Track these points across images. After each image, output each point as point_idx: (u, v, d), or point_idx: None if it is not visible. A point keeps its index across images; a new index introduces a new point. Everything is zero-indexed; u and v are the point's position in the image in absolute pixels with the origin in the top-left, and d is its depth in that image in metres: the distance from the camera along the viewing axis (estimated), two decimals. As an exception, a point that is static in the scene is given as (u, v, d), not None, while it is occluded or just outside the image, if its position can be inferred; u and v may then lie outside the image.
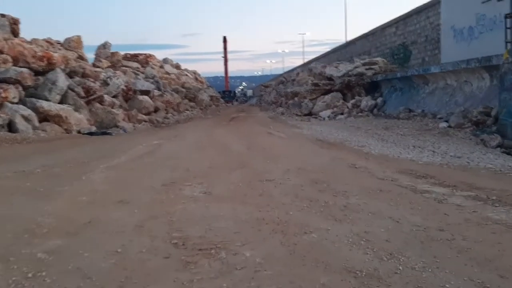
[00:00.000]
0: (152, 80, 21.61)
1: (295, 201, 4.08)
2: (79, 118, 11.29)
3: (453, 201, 4.06)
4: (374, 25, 27.02)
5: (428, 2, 19.40)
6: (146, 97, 16.95)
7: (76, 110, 11.50)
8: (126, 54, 24.33)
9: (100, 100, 12.96)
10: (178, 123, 16.95)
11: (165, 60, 31.53)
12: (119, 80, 15.47)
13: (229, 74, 73.95)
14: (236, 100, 66.42)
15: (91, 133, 10.96)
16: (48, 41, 15.24)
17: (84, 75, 14.19)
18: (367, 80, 18.97)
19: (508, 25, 8.63)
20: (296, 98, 21.43)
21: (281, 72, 72.74)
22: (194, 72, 37.53)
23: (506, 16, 8.66)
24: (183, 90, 25.31)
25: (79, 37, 16.54)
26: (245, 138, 9.38)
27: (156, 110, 17.89)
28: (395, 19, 23.35)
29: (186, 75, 32.47)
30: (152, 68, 23.53)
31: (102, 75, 14.93)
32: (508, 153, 7.28)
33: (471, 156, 6.73)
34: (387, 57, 23.49)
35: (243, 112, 25.99)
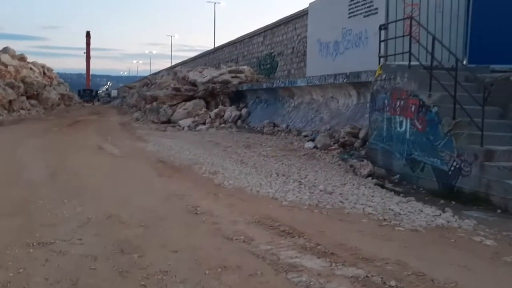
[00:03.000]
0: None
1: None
2: None
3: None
4: (244, 33, 25.99)
5: (296, 13, 18.84)
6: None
7: None
8: None
9: None
10: (2, 125, 13.62)
11: (5, 50, 26.74)
12: None
13: (96, 73, 68.66)
14: (98, 100, 61.44)
15: None
16: None
17: None
18: (232, 88, 17.63)
19: (382, 38, 7.77)
20: (155, 103, 19.27)
21: (148, 74, 69.04)
22: (43, 66, 32.75)
23: (380, 28, 7.84)
24: (21, 85, 21.34)
25: None
26: (61, 155, 7.12)
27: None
28: (263, 27, 22.53)
29: (31, 68, 27.96)
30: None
31: None
32: (381, 186, 6.22)
33: (344, 191, 5.44)
34: (254, 66, 22.61)
35: (95, 115, 22.96)
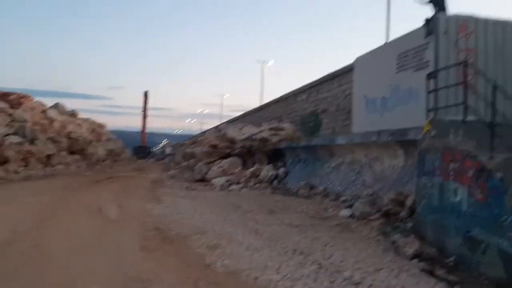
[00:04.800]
0: (18, 125, 17.77)
1: None
2: None
3: None
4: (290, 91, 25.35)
5: (341, 69, 17.94)
6: (-14, 143, 13.13)
7: None
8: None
9: None
10: (29, 179, 13.20)
11: (55, 105, 27.55)
12: None
13: (154, 131, 70.77)
14: (152, 157, 62.57)
15: None
16: None
17: None
18: (270, 146, 16.57)
19: (431, 87, 6.52)
20: (192, 161, 18.58)
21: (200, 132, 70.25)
22: (93, 123, 33.52)
23: (428, 76, 6.61)
24: (64, 140, 21.44)
25: None
26: (43, 217, 6.24)
27: (5, 161, 14.04)
28: (307, 84, 21.78)
29: (79, 124, 28.52)
30: (25, 111, 19.60)
31: None
32: (430, 272, 4.75)
33: (377, 280, 4.07)
34: (298, 125, 21.66)
35: (136, 171, 22.54)
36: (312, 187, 11.67)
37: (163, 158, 61.29)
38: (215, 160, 17.18)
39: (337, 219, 7.37)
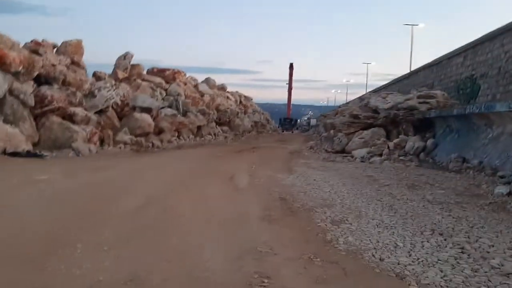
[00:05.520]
0: (172, 98, 19.33)
1: None
2: (10, 133, 8.88)
3: None
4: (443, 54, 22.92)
5: (503, 27, 15.47)
6: (144, 115, 14.48)
7: (11, 122, 9.13)
8: (153, 69, 22.23)
9: (62, 113, 10.56)
10: (179, 148, 14.30)
11: (206, 80, 29.42)
12: (109, 93, 13.13)
13: (300, 103, 72.18)
14: (297, 129, 63.59)
15: (13, 153, 8.52)
16: (38, 43, 13.27)
17: (64, 83, 12.01)
18: (418, 116, 15.24)
19: None
20: (332, 131, 18.12)
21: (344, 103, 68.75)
22: (240, 96, 35.05)
23: None
24: (212, 112, 22.77)
25: (79, 42, 14.44)
26: (176, 185, 6.53)
27: (160, 131, 15.38)
28: (463, 46, 19.37)
29: (227, 97, 30.06)
30: (178, 85, 21.21)
31: (88, 86, 12.67)
32: None
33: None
34: (452, 91, 19.56)
35: (279, 142, 23.04)
36: (464, 161, 10.41)
37: (307, 130, 61.87)
38: (356, 131, 16.48)
39: (491, 198, 6.37)
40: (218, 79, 32.97)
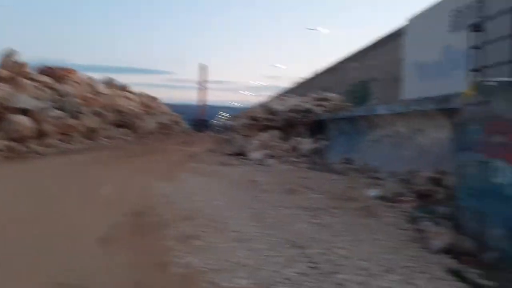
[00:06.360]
0: (61, 99, 17.90)
1: None
2: None
3: None
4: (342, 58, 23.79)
5: (390, 33, 16.31)
6: (22, 118, 13.16)
7: None
8: (45, 68, 20.52)
9: None
10: (64, 154, 13.16)
11: (106, 80, 27.91)
12: (-21, 93, 11.70)
13: (216, 104, 73.00)
14: (211, 130, 63.35)
15: None
16: None
17: None
18: (313, 118, 15.51)
19: (473, 44, 5.28)
20: (232, 134, 17.95)
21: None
22: (144, 96, 33.79)
23: (471, 28, 5.37)
24: (109, 114, 21.55)
25: None
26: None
27: (42, 134, 14.09)
28: (356, 51, 20.25)
29: (128, 98, 28.75)
30: (70, 85, 19.76)
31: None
32: (459, 274, 3.73)
33: (379, 288, 3.16)
34: (348, 94, 20.29)
35: (182, 145, 22.37)
36: (350, 162, 10.66)
37: (222, 131, 61.67)
38: (255, 134, 16.42)
39: (364, 201, 6.40)
40: (129, 79, 31.55)
